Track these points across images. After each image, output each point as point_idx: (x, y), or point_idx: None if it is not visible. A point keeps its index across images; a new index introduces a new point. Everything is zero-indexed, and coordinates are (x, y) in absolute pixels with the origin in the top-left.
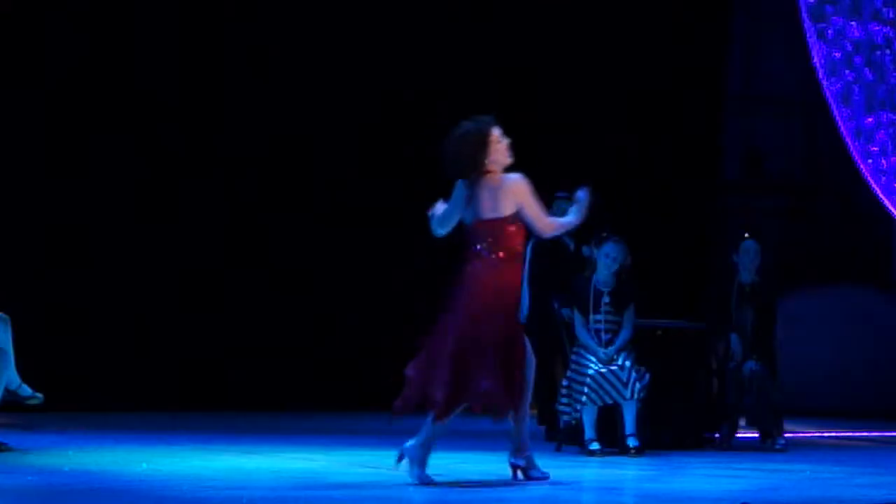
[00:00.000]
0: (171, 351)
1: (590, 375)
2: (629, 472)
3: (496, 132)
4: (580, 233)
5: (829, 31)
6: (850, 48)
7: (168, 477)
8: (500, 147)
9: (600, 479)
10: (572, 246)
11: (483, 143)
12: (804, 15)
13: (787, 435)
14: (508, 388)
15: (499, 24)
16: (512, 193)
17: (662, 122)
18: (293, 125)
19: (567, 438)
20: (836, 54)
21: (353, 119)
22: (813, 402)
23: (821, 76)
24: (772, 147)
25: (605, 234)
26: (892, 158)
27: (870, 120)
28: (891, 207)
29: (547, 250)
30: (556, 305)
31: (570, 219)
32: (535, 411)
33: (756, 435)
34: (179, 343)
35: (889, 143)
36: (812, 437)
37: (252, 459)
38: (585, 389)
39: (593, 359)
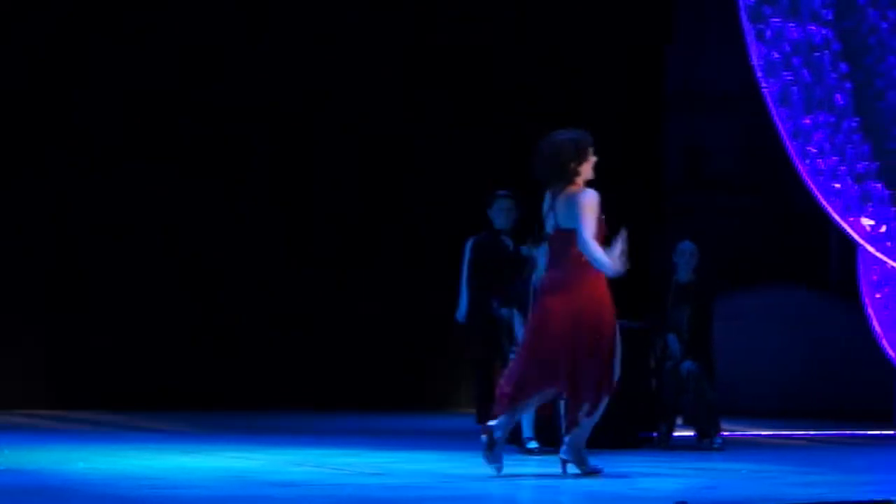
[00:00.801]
0: (113, 348)
1: None
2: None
3: (591, 147)
4: (519, 232)
5: (768, 32)
6: (788, 49)
7: (106, 476)
8: (591, 162)
9: (538, 478)
10: (512, 246)
11: (581, 154)
12: (743, 15)
13: (724, 434)
14: (593, 384)
15: (435, 31)
16: (581, 205)
17: (604, 122)
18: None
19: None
20: (775, 55)
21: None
22: (750, 402)
23: (759, 76)
24: (713, 147)
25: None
26: (830, 159)
27: (808, 120)
28: (828, 208)
29: (486, 250)
30: (495, 305)
31: (605, 261)
32: (474, 410)
33: (693, 434)
34: (120, 341)
35: (827, 143)
36: (749, 436)
37: (193, 458)
38: None
39: None
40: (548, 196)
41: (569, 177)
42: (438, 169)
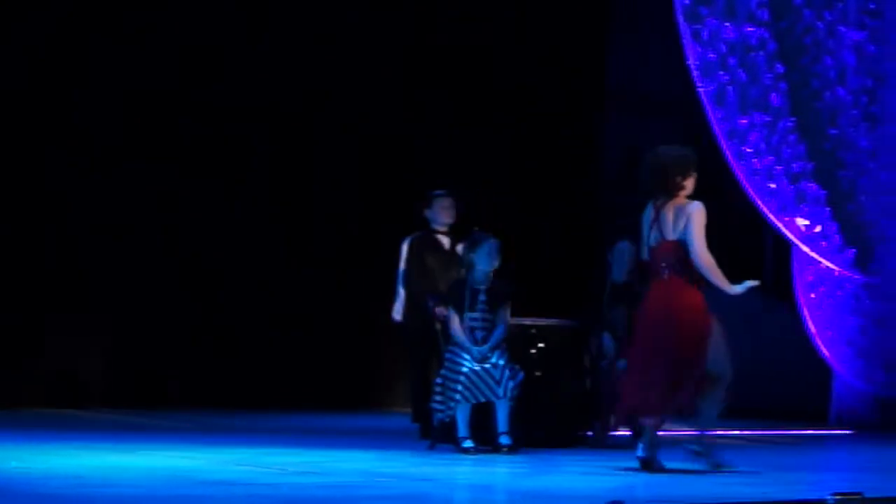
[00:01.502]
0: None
1: (463, 373)
2: (502, 469)
3: (695, 164)
4: (456, 231)
5: (704, 33)
6: (724, 49)
7: (40, 475)
8: (694, 177)
9: (473, 477)
10: (448, 244)
11: (687, 169)
12: (679, 16)
13: (660, 433)
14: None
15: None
16: (689, 216)
17: (543, 121)
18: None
19: (440, 436)
20: (711, 55)
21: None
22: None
23: (695, 77)
24: (651, 146)
25: (480, 233)
26: (766, 159)
27: (743, 121)
28: (763, 208)
29: (423, 249)
30: (430, 303)
31: (717, 272)
32: (408, 409)
33: (629, 433)
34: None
35: (762, 143)
36: (685, 434)
37: (130, 457)
38: (459, 387)
39: (467, 357)
40: (650, 208)
41: (673, 190)
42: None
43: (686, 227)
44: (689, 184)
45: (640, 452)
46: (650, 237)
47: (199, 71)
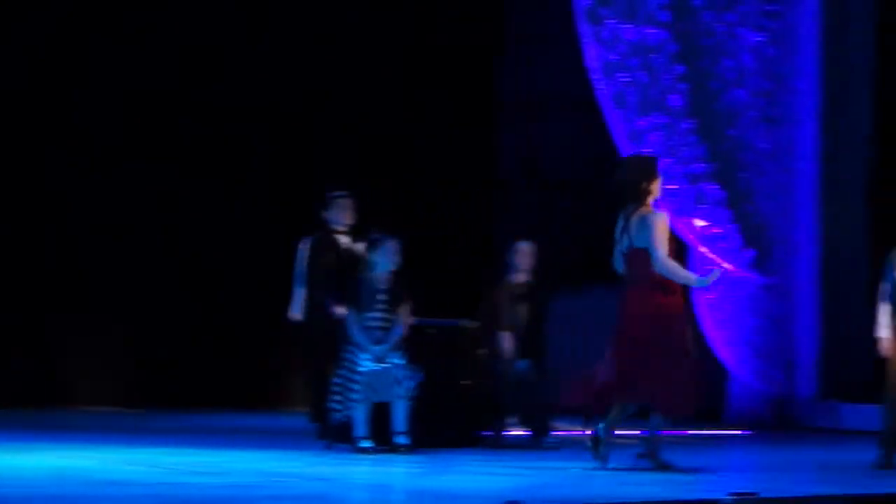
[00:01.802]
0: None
1: (362, 373)
2: (399, 469)
3: (657, 168)
4: (355, 230)
5: (605, 34)
6: (624, 50)
7: None
8: (659, 181)
9: (371, 477)
10: (347, 244)
11: (652, 174)
12: (580, 17)
13: (558, 433)
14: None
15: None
16: (653, 226)
17: (443, 122)
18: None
19: (338, 436)
20: (611, 56)
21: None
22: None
23: (596, 78)
24: (550, 147)
25: (380, 233)
26: (665, 160)
27: (643, 122)
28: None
29: (322, 249)
30: (329, 303)
31: (682, 273)
32: (306, 409)
33: (527, 433)
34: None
35: (662, 144)
36: (584, 434)
37: (23, 457)
38: (357, 387)
39: (366, 357)
40: (621, 217)
41: (642, 197)
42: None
43: (648, 235)
44: (655, 188)
45: (596, 432)
46: (622, 244)
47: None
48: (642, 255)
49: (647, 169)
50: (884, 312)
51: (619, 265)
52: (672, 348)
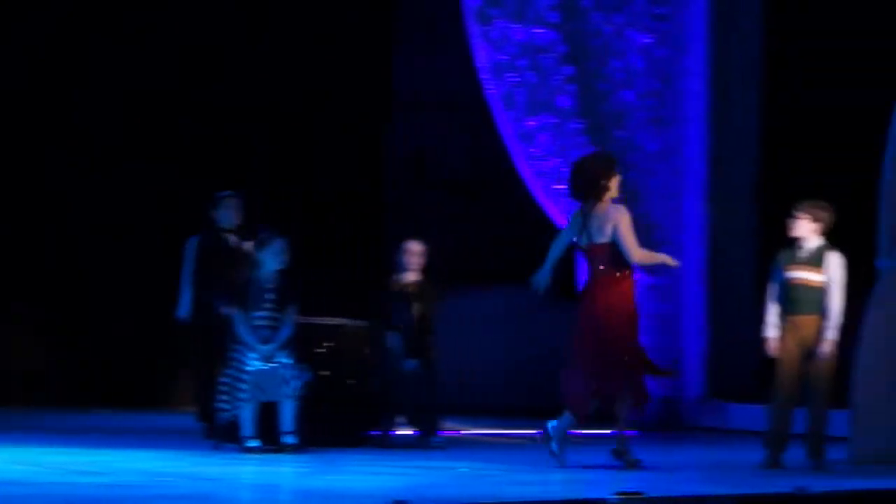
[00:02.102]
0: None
1: (249, 372)
2: (287, 469)
3: (617, 167)
4: (242, 230)
5: (494, 34)
6: (513, 51)
7: None
8: (618, 178)
9: (258, 476)
10: (234, 243)
11: (610, 170)
12: (469, 17)
13: (446, 433)
14: (632, 385)
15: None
16: (613, 220)
17: (331, 122)
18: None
19: (226, 436)
20: (501, 56)
21: None
22: (472, 400)
23: (485, 78)
24: (439, 147)
25: (268, 232)
26: (553, 160)
27: (532, 122)
28: (550, 209)
29: (209, 247)
30: (217, 302)
31: (658, 258)
32: (194, 408)
33: (415, 433)
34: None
35: (550, 145)
36: (471, 434)
37: None
38: (245, 386)
39: (253, 356)
40: (579, 213)
41: (600, 193)
42: (328, 167)
43: (614, 231)
44: (614, 185)
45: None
46: (581, 239)
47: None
48: (604, 250)
49: (605, 166)
50: (772, 313)
51: (581, 261)
52: (635, 340)
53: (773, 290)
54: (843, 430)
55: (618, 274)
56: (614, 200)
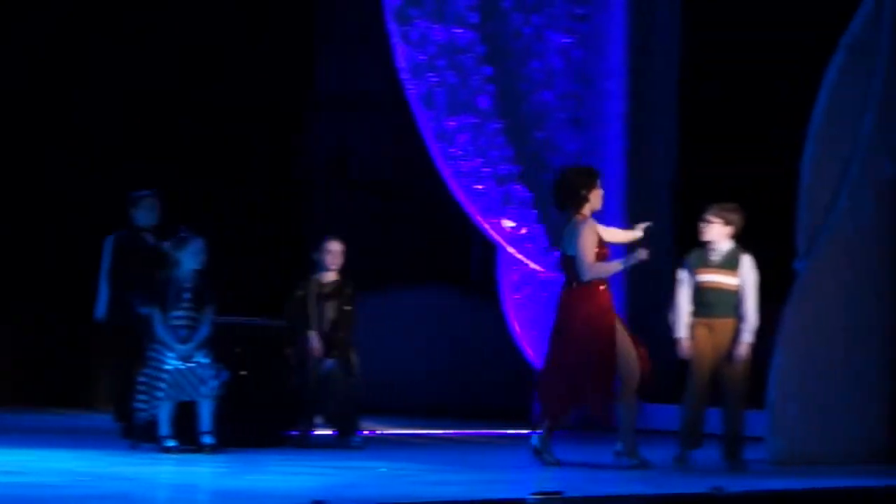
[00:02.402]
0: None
1: (167, 372)
2: (205, 469)
3: (599, 178)
4: (160, 229)
5: (414, 34)
6: (433, 51)
7: None
8: (599, 190)
9: (176, 476)
10: (152, 242)
11: (590, 183)
12: (389, 17)
13: (365, 433)
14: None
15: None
16: (578, 234)
17: (251, 120)
18: None
19: (143, 435)
20: (420, 57)
21: None
22: (392, 401)
23: (404, 78)
24: (359, 147)
25: (186, 232)
26: (473, 160)
27: (452, 122)
28: (470, 209)
29: (127, 247)
30: (134, 301)
31: (611, 269)
32: (112, 408)
33: (333, 432)
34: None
35: (470, 145)
36: (391, 434)
37: None
38: (163, 386)
39: (171, 355)
40: (565, 224)
41: (580, 203)
42: (248, 166)
43: (574, 243)
44: (594, 197)
45: (534, 441)
46: (560, 251)
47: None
48: (572, 262)
49: (585, 178)
50: (683, 314)
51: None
52: (601, 349)
53: (683, 292)
54: (760, 430)
55: (594, 287)
56: (597, 213)
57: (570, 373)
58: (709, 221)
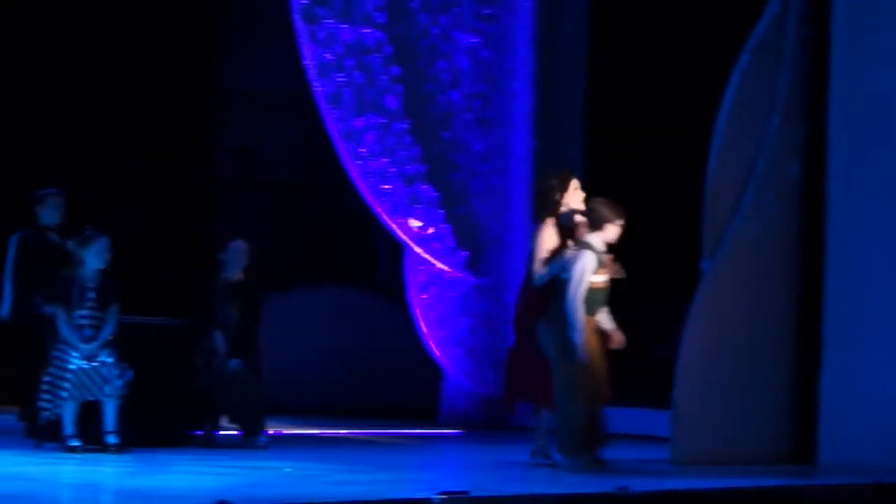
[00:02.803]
0: None
1: (72, 371)
2: (109, 469)
3: (575, 182)
4: (65, 228)
5: (321, 33)
6: (341, 50)
7: None
8: (571, 190)
9: (79, 476)
10: (57, 241)
11: (563, 185)
12: (296, 16)
13: (271, 432)
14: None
15: None
16: (535, 236)
17: (157, 118)
18: None
19: (47, 435)
20: (328, 56)
21: None
22: (298, 400)
23: (312, 77)
24: (265, 146)
25: (91, 230)
26: (380, 160)
27: (359, 122)
28: (377, 209)
29: (32, 246)
30: (39, 302)
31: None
32: (16, 408)
33: (239, 432)
34: None
35: (377, 145)
36: (296, 434)
37: None
38: (67, 385)
39: (76, 355)
40: None
41: (552, 208)
42: (153, 165)
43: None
44: (568, 198)
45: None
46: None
47: (103, 67)
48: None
49: (561, 181)
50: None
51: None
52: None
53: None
54: (665, 430)
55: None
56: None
57: (530, 373)
58: (621, 224)
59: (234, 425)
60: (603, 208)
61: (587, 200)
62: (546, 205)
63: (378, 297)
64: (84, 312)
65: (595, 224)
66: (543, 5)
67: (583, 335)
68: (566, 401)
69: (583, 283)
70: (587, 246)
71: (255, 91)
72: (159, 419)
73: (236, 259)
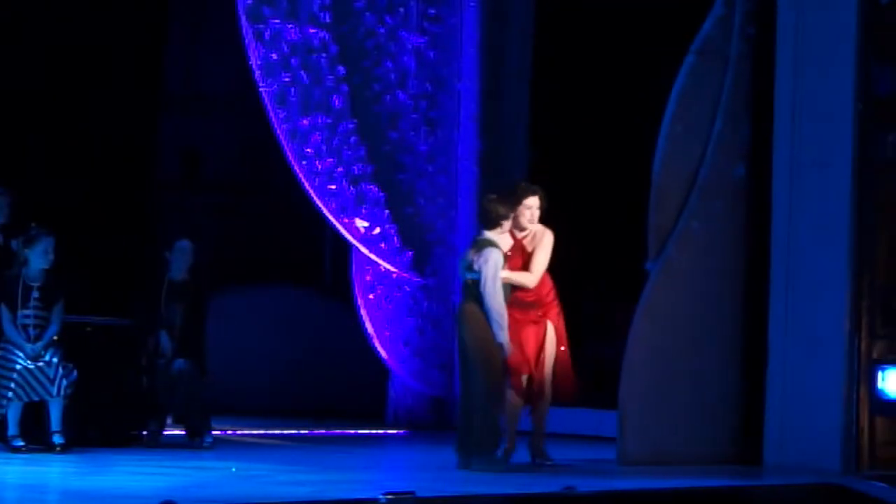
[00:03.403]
0: None
1: (16, 371)
2: (54, 469)
3: (529, 200)
4: (8, 227)
5: (267, 33)
6: (286, 50)
7: None
8: (522, 206)
9: (24, 476)
10: (1, 240)
11: (510, 204)
12: (241, 16)
13: (215, 433)
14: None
15: None
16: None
17: (103, 118)
18: None
19: None
20: (273, 56)
21: None
22: (243, 401)
23: (258, 77)
24: (210, 146)
25: (35, 230)
26: (326, 160)
27: (305, 122)
28: (323, 209)
29: None
30: None
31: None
32: None
33: (184, 432)
34: None
35: (323, 145)
36: (241, 435)
37: None
38: (12, 385)
39: (20, 354)
40: None
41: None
42: (98, 165)
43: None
44: (520, 219)
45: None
46: None
47: (50, 69)
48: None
49: (505, 199)
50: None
51: None
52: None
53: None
54: (612, 430)
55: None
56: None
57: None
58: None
59: (179, 425)
60: (496, 205)
61: (481, 199)
62: (490, 222)
63: (324, 298)
64: (29, 312)
65: (491, 222)
66: (489, 6)
67: (507, 333)
68: (486, 401)
69: (497, 281)
70: (490, 244)
71: (200, 90)
72: (104, 419)
73: (182, 259)
